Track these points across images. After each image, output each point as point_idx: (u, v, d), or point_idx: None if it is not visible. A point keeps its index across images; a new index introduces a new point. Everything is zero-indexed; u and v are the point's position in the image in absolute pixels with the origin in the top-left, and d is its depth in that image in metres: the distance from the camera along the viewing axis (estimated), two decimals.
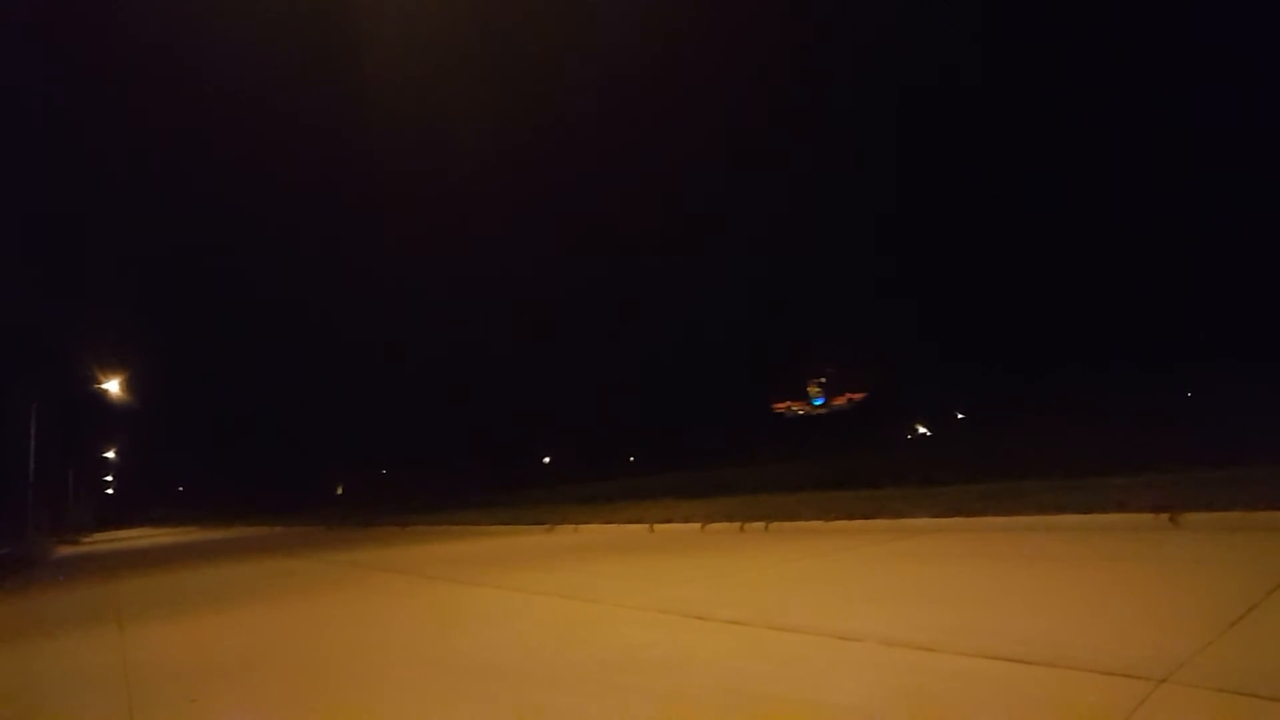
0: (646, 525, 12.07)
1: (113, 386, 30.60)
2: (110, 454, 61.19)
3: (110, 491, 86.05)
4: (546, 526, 14.58)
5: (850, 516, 9.50)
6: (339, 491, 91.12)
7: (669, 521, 11.98)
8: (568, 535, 12.98)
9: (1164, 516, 6.62)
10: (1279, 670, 2.89)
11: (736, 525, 10.45)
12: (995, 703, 2.84)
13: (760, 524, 10.16)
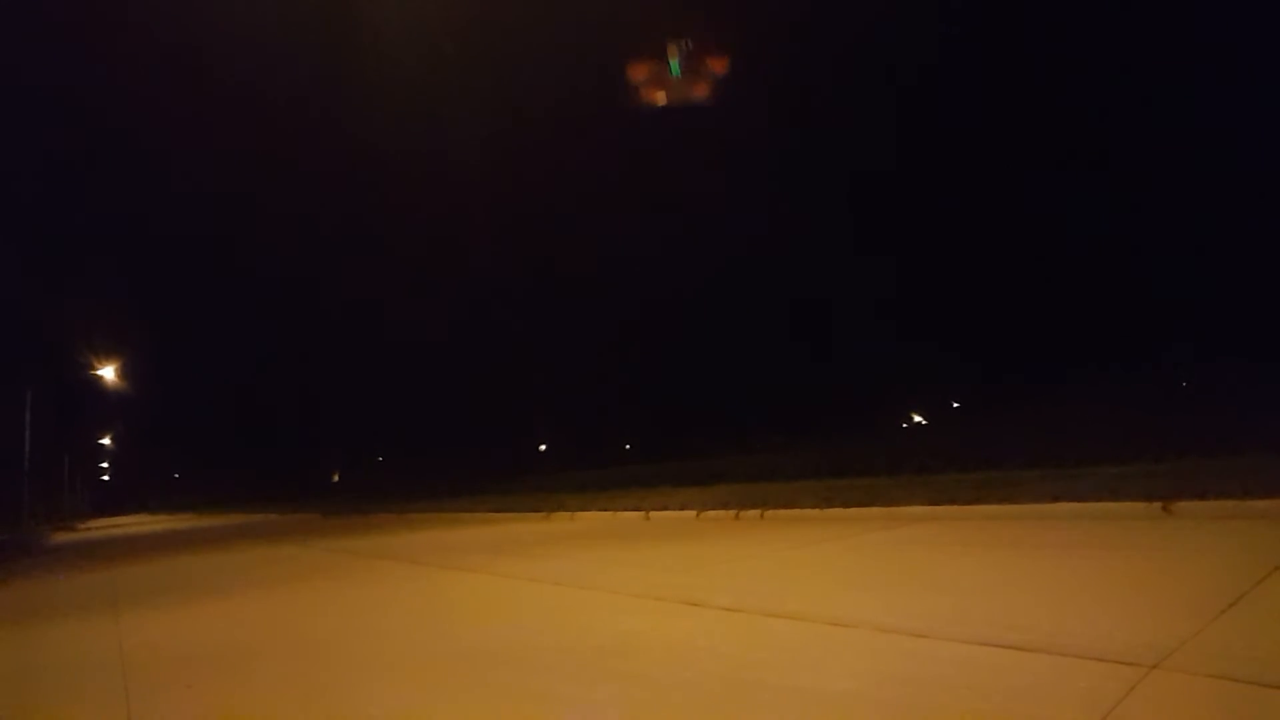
0: (642, 513, 12.12)
1: (108, 373, 30.50)
2: (106, 441, 61.07)
3: (106, 479, 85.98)
4: (543, 514, 14.62)
5: (845, 504, 9.53)
6: (335, 479, 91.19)
7: (665, 509, 12.02)
8: (564, 523, 13.01)
9: (1157, 505, 6.66)
10: (1270, 657, 2.92)
11: (732, 513, 10.49)
12: (988, 689, 2.86)
13: (755, 512, 10.20)
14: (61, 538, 30.95)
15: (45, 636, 6.37)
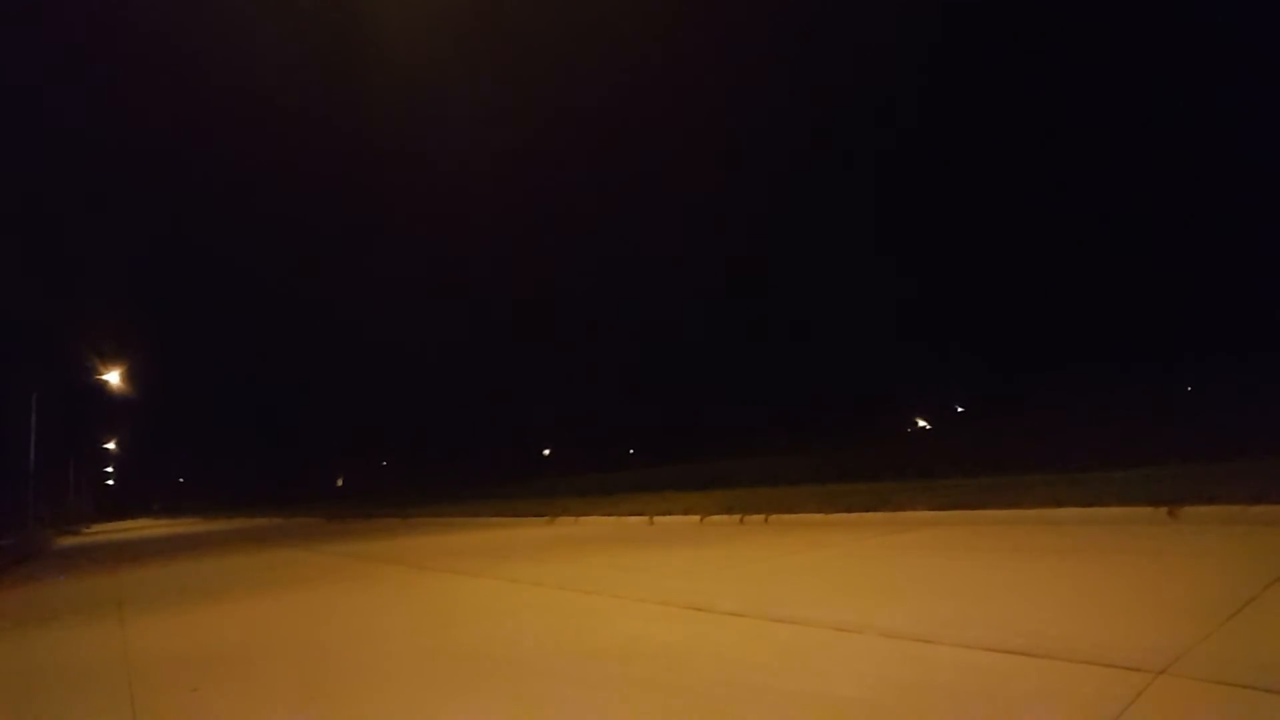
0: (646, 517, 12.10)
1: (113, 378, 30.59)
2: (111, 445, 61.23)
3: (111, 483, 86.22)
4: (546, 518, 14.61)
5: (850, 509, 9.52)
6: (339, 483, 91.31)
7: (668, 514, 12.01)
8: (567, 527, 13.00)
9: (1163, 510, 6.63)
10: (1276, 663, 2.90)
11: (736, 518, 10.47)
12: (994, 694, 2.85)
13: (760, 516, 10.18)
14: (66, 542, 31.03)
15: (51, 639, 6.38)
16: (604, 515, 13.54)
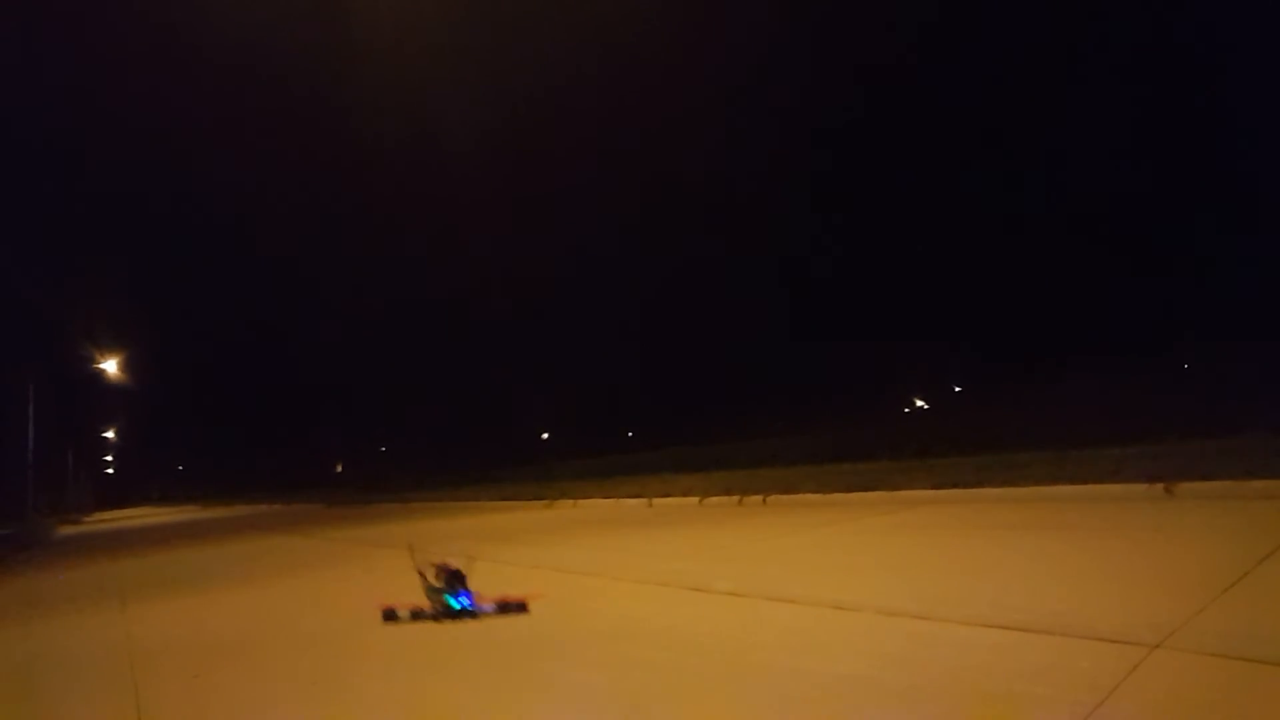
0: (645, 500, 12.14)
1: (111, 366, 30.61)
2: (109, 434, 61.28)
3: (110, 471, 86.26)
4: (545, 502, 14.65)
5: (847, 489, 9.55)
6: (338, 470, 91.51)
7: (667, 496, 12.05)
8: (567, 510, 13.05)
9: (1159, 486, 6.66)
10: (1270, 635, 2.92)
11: (734, 499, 10.51)
12: (991, 670, 2.87)
13: (758, 498, 10.22)
14: (66, 531, 31.10)
15: (54, 628, 6.40)
16: (603, 498, 13.58)
